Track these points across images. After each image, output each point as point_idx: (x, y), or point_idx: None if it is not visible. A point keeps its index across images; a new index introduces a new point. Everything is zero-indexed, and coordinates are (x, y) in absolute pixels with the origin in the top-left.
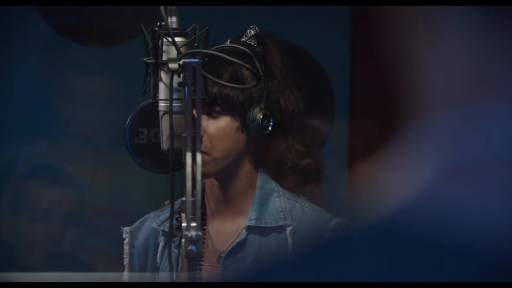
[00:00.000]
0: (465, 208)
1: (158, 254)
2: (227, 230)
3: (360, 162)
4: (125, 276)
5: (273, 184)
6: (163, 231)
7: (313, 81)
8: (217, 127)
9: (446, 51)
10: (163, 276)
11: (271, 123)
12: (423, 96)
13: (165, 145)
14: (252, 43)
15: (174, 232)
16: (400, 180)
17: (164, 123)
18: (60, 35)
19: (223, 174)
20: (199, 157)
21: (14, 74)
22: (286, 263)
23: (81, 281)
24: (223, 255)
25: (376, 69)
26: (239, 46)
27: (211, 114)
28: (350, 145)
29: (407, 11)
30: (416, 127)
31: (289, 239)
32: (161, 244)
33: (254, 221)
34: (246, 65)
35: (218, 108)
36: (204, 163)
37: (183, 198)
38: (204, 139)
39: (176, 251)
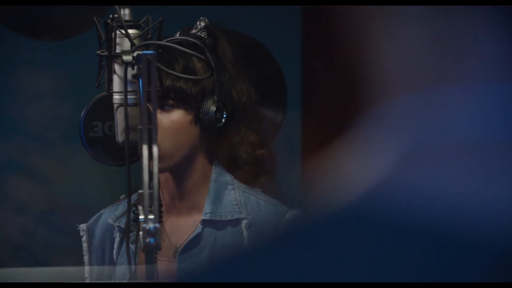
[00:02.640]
0: (426, 192)
1: (115, 250)
2: (182, 224)
3: (314, 152)
4: (86, 274)
5: (227, 177)
6: (118, 227)
7: (265, 70)
8: (170, 120)
9: (401, 33)
10: (120, 270)
11: (224, 115)
12: (379, 82)
13: (120, 137)
14: (203, 35)
15: (130, 227)
16: (359, 167)
17: (119, 116)
18: (11, 30)
19: (178, 168)
20: (155, 149)
21: None
22: (242, 257)
23: (36, 277)
24: (179, 250)
25: (329, 58)
26: (190, 39)
27: (164, 108)
28: (304, 135)
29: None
30: (373, 114)
31: (245, 232)
32: (117, 240)
33: (209, 214)
34: (200, 55)
35: (171, 102)
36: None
37: (140, 191)
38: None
39: (132, 246)
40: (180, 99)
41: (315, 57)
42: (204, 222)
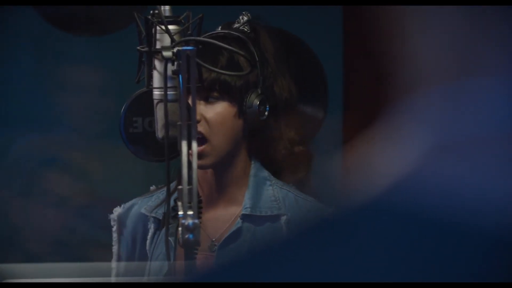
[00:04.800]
0: (457, 185)
1: (148, 241)
2: (219, 217)
3: (355, 150)
4: (113, 265)
5: (265, 173)
6: (154, 218)
7: (306, 68)
8: (215, 112)
9: (434, 30)
10: (155, 266)
11: (267, 109)
12: (410, 75)
13: (160, 133)
14: (245, 29)
15: (166, 219)
16: (390, 160)
17: (159, 112)
18: (52, 25)
19: (221, 163)
20: (194, 145)
21: (5, 65)
22: (281, 252)
23: (72, 272)
24: (216, 244)
25: (369, 56)
26: (233, 32)
27: (208, 100)
28: (345, 133)
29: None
30: (405, 107)
31: (284, 229)
32: (151, 231)
33: (249, 209)
34: (239, 51)
35: (215, 94)
36: (205, 155)
37: (179, 187)
38: (202, 123)
39: (171, 240)
40: (224, 92)
41: (356, 55)
42: (244, 217)
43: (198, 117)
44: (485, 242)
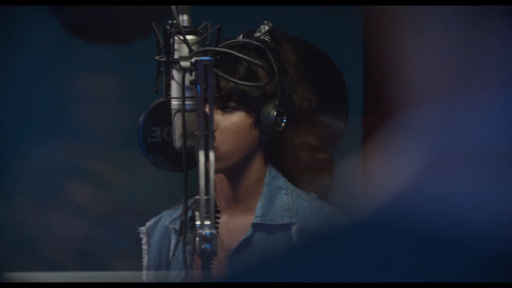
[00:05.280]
0: (456, 199)
1: (171, 252)
2: (235, 227)
3: (375, 158)
4: (144, 276)
5: (281, 181)
6: (174, 229)
7: (326, 77)
8: (231, 122)
9: (434, 43)
10: (173, 275)
11: (284, 120)
12: (411, 88)
13: (178, 143)
14: (266, 39)
15: (183, 229)
16: (389, 173)
17: (177, 121)
18: (71, 34)
19: (234, 170)
20: (212, 155)
21: (24, 73)
22: (291, 261)
23: (95, 281)
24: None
25: (390, 63)
26: (253, 42)
27: (226, 110)
28: (365, 141)
29: (402, 11)
30: (404, 119)
31: (294, 238)
32: (173, 242)
33: (259, 218)
34: (257, 62)
35: (233, 104)
36: (216, 159)
37: (197, 197)
38: (217, 133)
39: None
40: (241, 102)
41: (376, 63)
42: (255, 226)
43: (214, 127)
44: (487, 255)
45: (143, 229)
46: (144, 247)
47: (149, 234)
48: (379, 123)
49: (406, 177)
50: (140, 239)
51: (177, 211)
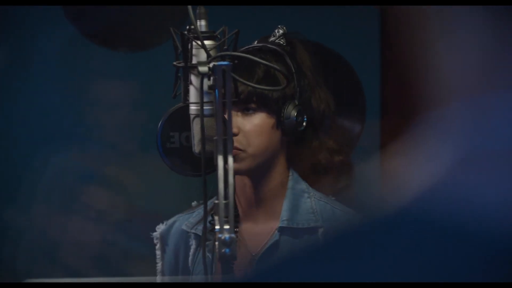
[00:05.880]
0: (483, 195)
1: (190, 258)
2: (259, 232)
3: (393, 160)
4: (159, 281)
5: (303, 185)
6: (195, 234)
7: (343, 81)
8: (253, 124)
9: (461, 43)
10: (196, 280)
11: (305, 119)
12: (440, 88)
13: (196, 148)
14: (281, 42)
15: (207, 235)
16: (418, 169)
17: (195, 126)
18: (90, 40)
19: (257, 173)
20: (231, 159)
21: (41, 81)
22: (319, 264)
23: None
24: (256, 258)
25: (407, 65)
26: (270, 45)
27: (246, 111)
28: (382, 144)
29: (425, 10)
30: (434, 118)
31: (321, 241)
32: (193, 247)
33: (286, 222)
34: (275, 66)
35: (253, 105)
36: (240, 159)
37: (216, 201)
38: (240, 136)
39: (209, 255)
40: (262, 103)
41: (394, 64)
42: (281, 230)
43: (235, 130)
44: (509, 251)
45: (156, 234)
46: (158, 252)
47: (163, 239)
48: (397, 124)
49: (430, 177)
50: (154, 245)
51: (192, 215)
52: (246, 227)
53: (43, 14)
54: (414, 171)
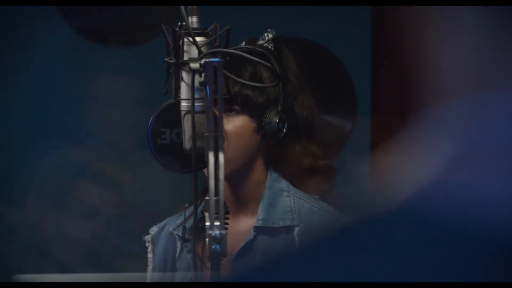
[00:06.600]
0: (479, 193)
1: (176, 259)
2: (238, 231)
3: (382, 157)
4: (148, 279)
5: (283, 184)
6: (178, 235)
7: (334, 81)
8: (234, 125)
9: (454, 42)
10: (179, 277)
11: (286, 127)
12: (435, 86)
13: (187, 144)
14: (269, 47)
15: (188, 236)
16: (413, 168)
17: (186, 123)
18: (81, 37)
19: (235, 176)
20: (221, 156)
21: (37, 77)
22: (293, 262)
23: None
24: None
25: (398, 63)
26: (258, 48)
27: (229, 112)
28: (373, 141)
29: (420, 9)
30: (428, 116)
31: (297, 239)
32: (178, 248)
33: (261, 221)
34: (266, 63)
35: (237, 107)
36: None
37: (206, 198)
38: None
39: (188, 256)
40: (246, 106)
41: (384, 62)
42: (257, 229)
43: None
44: (506, 249)
45: (148, 237)
46: (150, 255)
47: (154, 242)
48: (388, 122)
49: (421, 175)
50: (146, 248)
51: (180, 218)
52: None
53: (39, 12)
54: (404, 169)
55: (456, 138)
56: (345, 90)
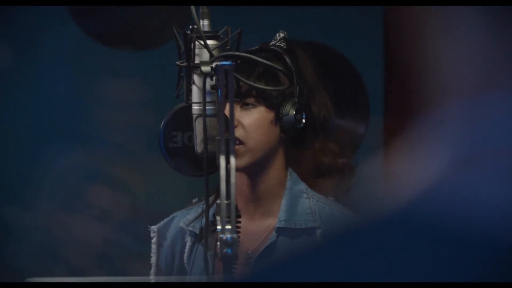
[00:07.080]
0: (486, 195)
1: (185, 255)
2: (255, 230)
3: (395, 159)
4: (151, 276)
5: (302, 186)
6: (190, 231)
7: (346, 83)
8: (252, 118)
9: (463, 43)
10: (194, 280)
11: (304, 116)
12: (442, 87)
13: (199, 148)
14: (282, 45)
15: (204, 234)
16: (420, 169)
17: (198, 126)
18: (93, 39)
19: (255, 170)
20: (233, 160)
21: (46, 80)
22: (316, 264)
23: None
24: (253, 257)
25: (410, 64)
26: (271, 46)
27: (245, 106)
28: (385, 142)
29: (427, 10)
30: (435, 117)
31: (319, 242)
32: (188, 244)
33: (283, 222)
34: (277, 67)
35: (252, 100)
36: (239, 155)
37: (218, 201)
38: (239, 129)
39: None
40: (261, 98)
41: (396, 64)
42: (279, 230)
43: (235, 123)
44: (506, 251)
45: (154, 227)
46: (154, 246)
47: (160, 233)
48: (400, 123)
49: (432, 176)
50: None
51: (191, 212)
52: (242, 224)
53: (48, 14)
54: (416, 170)
55: (464, 139)
56: (358, 92)
